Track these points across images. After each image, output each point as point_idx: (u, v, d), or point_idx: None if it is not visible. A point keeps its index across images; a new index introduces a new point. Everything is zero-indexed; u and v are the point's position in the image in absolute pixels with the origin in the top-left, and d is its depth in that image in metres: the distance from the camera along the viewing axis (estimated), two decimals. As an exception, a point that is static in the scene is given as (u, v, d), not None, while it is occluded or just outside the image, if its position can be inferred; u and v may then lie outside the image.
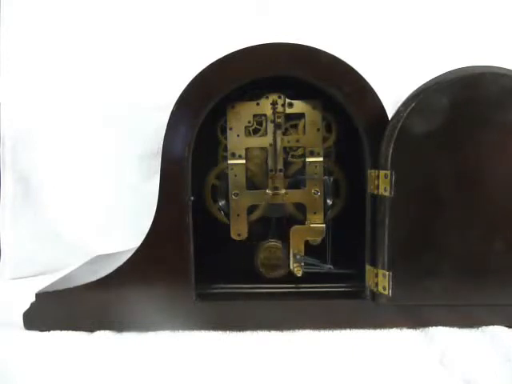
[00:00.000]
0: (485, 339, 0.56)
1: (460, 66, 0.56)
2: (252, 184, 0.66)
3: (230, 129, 0.64)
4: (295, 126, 0.65)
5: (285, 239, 0.65)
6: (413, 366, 0.51)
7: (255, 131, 0.65)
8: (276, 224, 0.68)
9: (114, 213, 0.95)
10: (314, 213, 0.64)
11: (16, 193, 0.93)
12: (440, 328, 0.58)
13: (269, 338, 0.58)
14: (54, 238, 0.94)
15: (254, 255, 0.66)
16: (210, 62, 0.58)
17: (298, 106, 0.64)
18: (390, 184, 0.56)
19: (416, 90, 0.57)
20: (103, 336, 0.59)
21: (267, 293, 0.63)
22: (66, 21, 0.91)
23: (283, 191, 0.64)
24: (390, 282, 0.57)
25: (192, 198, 0.60)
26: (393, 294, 0.57)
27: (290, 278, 0.64)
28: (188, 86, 0.58)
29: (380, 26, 0.90)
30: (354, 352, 0.54)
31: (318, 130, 0.64)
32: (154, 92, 0.89)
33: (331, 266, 0.62)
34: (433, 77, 0.57)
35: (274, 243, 0.65)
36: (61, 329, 0.60)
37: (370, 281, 0.59)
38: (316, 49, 0.58)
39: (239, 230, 0.65)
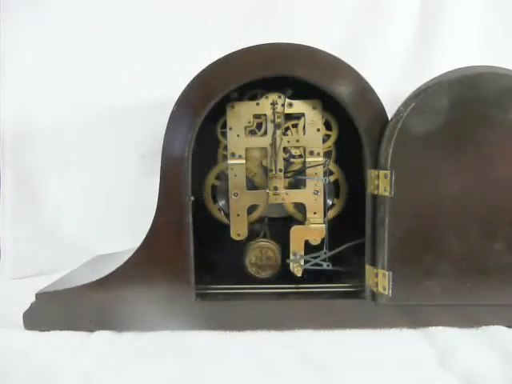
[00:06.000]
0: (485, 339, 0.56)
1: (460, 66, 0.57)
2: (252, 184, 0.66)
3: (230, 129, 0.64)
4: (295, 126, 0.65)
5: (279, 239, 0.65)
6: (413, 365, 0.51)
7: (255, 131, 0.65)
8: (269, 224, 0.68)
9: (113, 213, 0.95)
10: (314, 213, 0.64)
11: (16, 193, 0.93)
12: (440, 328, 0.58)
13: (269, 337, 0.58)
14: (54, 238, 0.94)
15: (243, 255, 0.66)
16: (210, 62, 0.58)
17: (298, 106, 0.64)
18: (390, 184, 0.56)
19: (416, 90, 0.57)
20: (103, 336, 0.59)
21: (267, 293, 0.62)
22: (67, 20, 0.91)
23: (283, 191, 0.64)
24: (390, 282, 0.57)
25: (192, 198, 0.60)
26: (393, 294, 0.57)
27: (290, 278, 0.64)
28: (188, 86, 0.58)
29: (380, 27, 0.90)
30: (353, 352, 0.54)
31: (318, 130, 0.64)
32: (153, 92, 0.89)
33: (329, 264, 0.62)
34: (433, 77, 0.57)
35: (265, 243, 0.65)
36: (61, 329, 0.60)
37: (369, 281, 0.60)
38: (316, 49, 0.58)
39: (239, 229, 0.65)
